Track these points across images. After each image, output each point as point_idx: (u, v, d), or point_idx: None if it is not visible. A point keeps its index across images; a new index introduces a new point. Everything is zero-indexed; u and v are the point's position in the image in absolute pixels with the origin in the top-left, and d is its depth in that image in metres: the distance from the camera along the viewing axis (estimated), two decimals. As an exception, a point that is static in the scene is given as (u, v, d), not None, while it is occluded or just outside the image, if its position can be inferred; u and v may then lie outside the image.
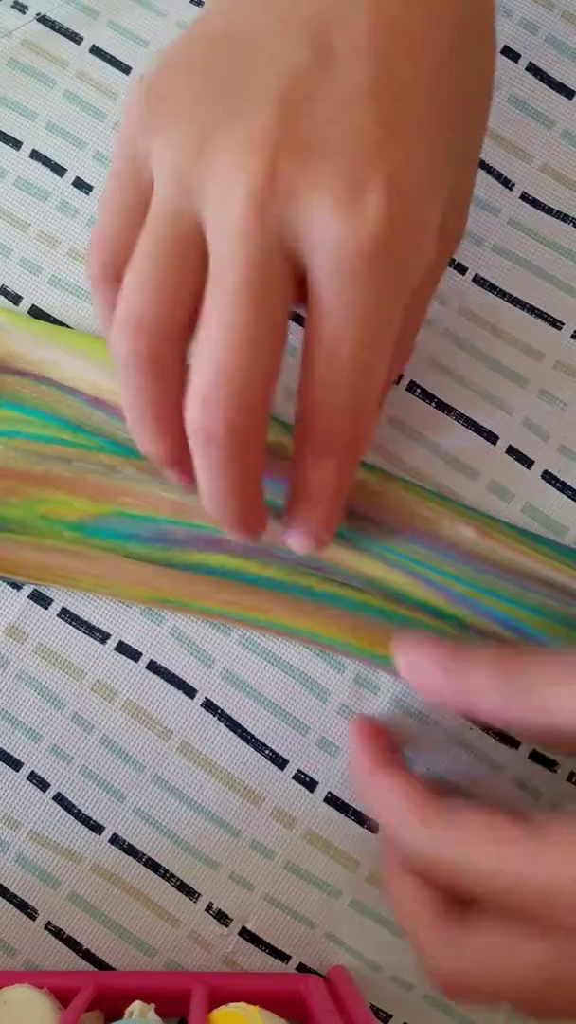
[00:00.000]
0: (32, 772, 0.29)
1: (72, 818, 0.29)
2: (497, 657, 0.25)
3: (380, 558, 0.29)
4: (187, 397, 0.22)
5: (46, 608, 0.30)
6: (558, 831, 0.22)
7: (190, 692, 0.29)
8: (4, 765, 0.29)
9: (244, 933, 0.29)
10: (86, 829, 0.29)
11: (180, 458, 0.24)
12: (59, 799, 0.29)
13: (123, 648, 0.30)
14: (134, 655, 0.30)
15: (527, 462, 0.30)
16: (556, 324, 0.31)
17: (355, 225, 0.21)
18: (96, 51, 0.32)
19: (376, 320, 0.22)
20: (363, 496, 0.29)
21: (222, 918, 0.29)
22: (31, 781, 0.29)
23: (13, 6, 0.32)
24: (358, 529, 0.29)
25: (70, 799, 0.29)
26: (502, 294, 0.31)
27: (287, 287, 0.22)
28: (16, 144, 0.31)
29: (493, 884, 0.22)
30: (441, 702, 0.26)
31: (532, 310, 0.31)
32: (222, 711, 0.29)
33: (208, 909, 0.29)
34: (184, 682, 0.29)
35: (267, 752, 0.29)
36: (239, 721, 0.29)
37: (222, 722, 0.29)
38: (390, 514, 0.29)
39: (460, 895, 0.23)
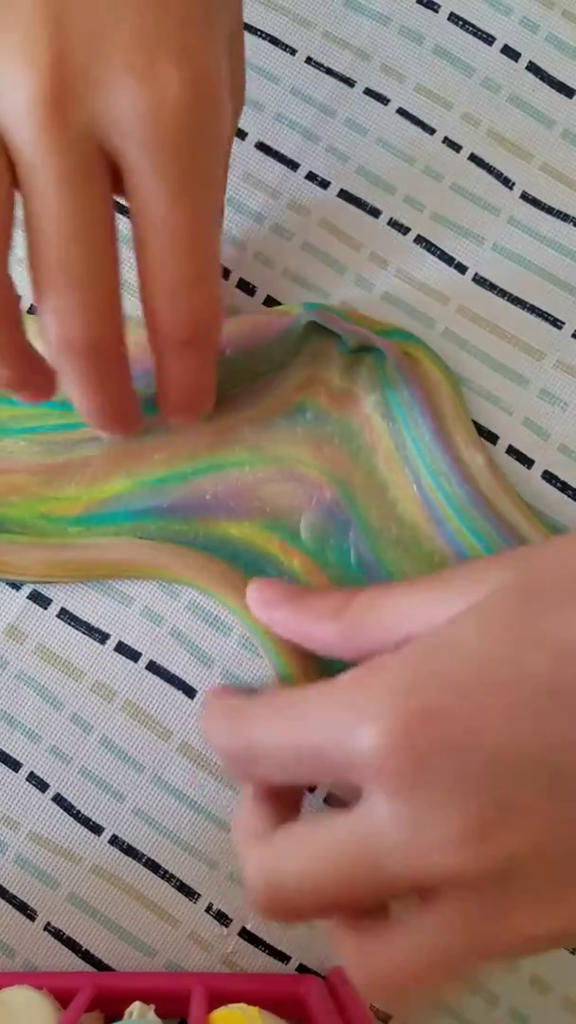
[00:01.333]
0: (31, 773, 0.29)
1: (71, 819, 0.29)
2: (334, 595, 0.25)
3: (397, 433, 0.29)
4: (38, 315, 0.22)
5: (45, 608, 0.30)
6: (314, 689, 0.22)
7: (190, 692, 0.29)
8: (3, 766, 0.29)
9: (244, 934, 0.29)
10: (85, 830, 0.29)
11: (28, 379, 0.24)
12: (58, 800, 0.29)
13: (123, 648, 0.30)
14: (134, 655, 0.30)
15: (527, 462, 0.30)
16: (556, 323, 0.31)
17: (158, 97, 0.20)
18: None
19: (198, 189, 0.21)
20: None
21: (222, 918, 0.29)
22: (30, 782, 0.29)
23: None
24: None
25: (69, 800, 0.29)
26: (502, 293, 0.31)
27: (105, 181, 0.21)
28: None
29: (280, 759, 0.21)
30: (283, 633, 0.26)
31: (532, 309, 0.31)
32: (222, 711, 0.29)
33: (208, 909, 0.29)
34: (184, 682, 0.29)
35: (267, 752, 0.29)
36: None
37: (222, 722, 0.29)
38: (423, 385, 0.30)
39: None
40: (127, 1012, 0.25)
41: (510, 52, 0.31)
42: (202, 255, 0.22)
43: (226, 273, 0.31)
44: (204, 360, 0.24)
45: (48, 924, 0.29)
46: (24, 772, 0.29)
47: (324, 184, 0.31)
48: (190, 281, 0.22)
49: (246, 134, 0.31)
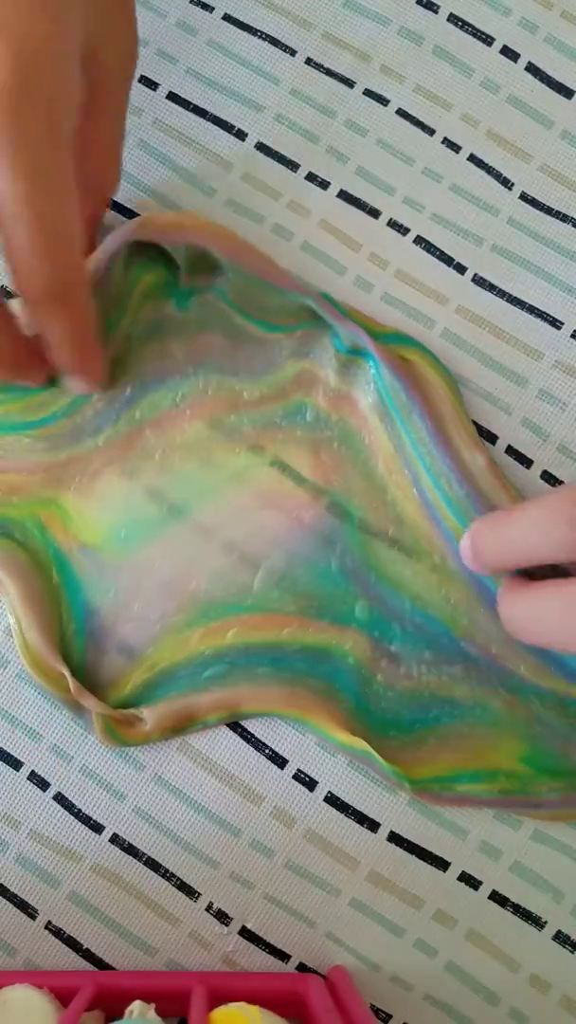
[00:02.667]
0: (32, 772, 0.29)
1: (72, 817, 0.29)
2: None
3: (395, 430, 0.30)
4: None
5: (46, 608, 0.30)
6: None
7: (190, 692, 0.29)
8: (4, 764, 0.29)
9: (244, 932, 0.29)
10: (86, 828, 0.29)
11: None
12: (59, 798, 0.29)
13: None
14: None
15: (526, 462, 0.30)
16: (555, 324, 0.31)
17: None
18: (96, 51, 0.32)
19: (27, 163, 0.23)
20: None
21: (222, 917, 0.29)
22: (31, 780, 0.29)
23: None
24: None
25: (70, 798, 0.29)
26: (501, 294, 0.31)
27: None
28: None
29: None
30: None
31: (531, 310, 0.31)
32: (222, 711, 0.29)
33: (208, 908, 0.29)
34: (184, 682, 0.29)
35: (267, 751, 0.29)
36: (239, 720, 0.29)
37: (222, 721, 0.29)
38: (420, 388, 0.30)
39: None
40: (127, 1011, 0.25)
41: (509, 53, 0.32)
42: (45, 223, 0.23)
43: (226, 273, 0.31)
44: (69, 318, 0.26)
45: (49, 923, 0.29)
46: (25, 771, 0.29)
47: (324, 184, 0.31)
48: (37, 249, 0.24)
49: (246, 135, 0.31)
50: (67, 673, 0.28)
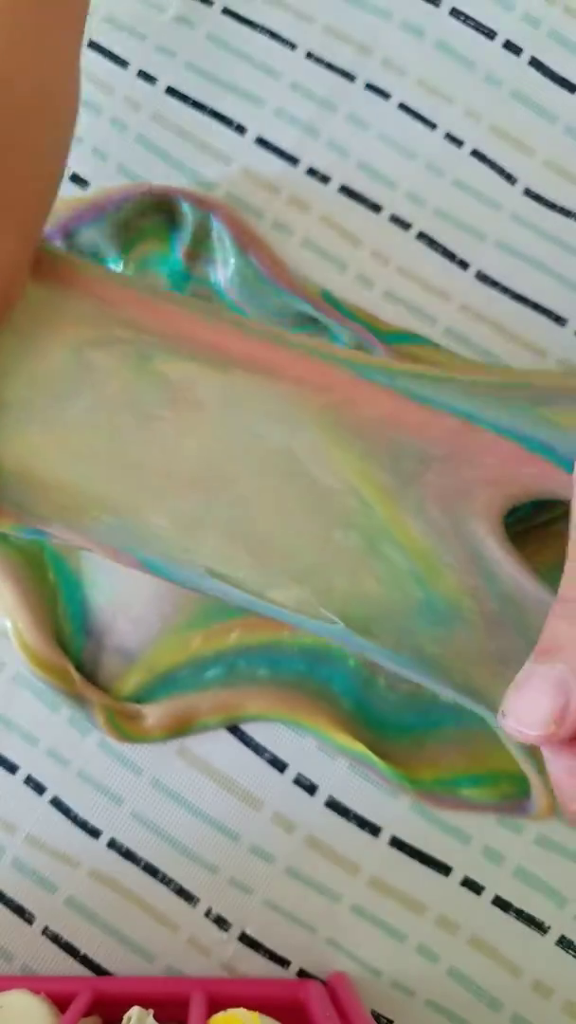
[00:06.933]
0: (29, 775, 0.29)
1: (69, 822, 0.29)
2: None
3: None
4: None
5: (43, 609, 0.29)
6: None
7: (189, 694, 0.29)
8: (1, 768, 0.29)
9: (244, 938, 0.28)
10: (83, 833, 0.29)
11: None
12: (56, 803, 0.29)
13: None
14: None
15: (530, 461, 0.30)
16: (559, 321, 0.30)
17: None
18: (93, 46, 0.31)
19: None
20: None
21: (221, 923, 0.28)
22: (27, 785, 0.29)
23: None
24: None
25: (67, 803, 0.29)
26: (504, 290, 0.31)
27: None
28: (12, 139, 0.31)
29: None
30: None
31: (535, 307, 0.30)
32: (221, 713, 0.29)
33: (207, 914, 0.28)
34: (183, 684, 0.29)
35: (266, 755, 0.29)
36: (238, 724, 0.29)
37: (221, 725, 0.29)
38: None
39: None
40: (126, 1017, 0.25)
41: (512, 47, 0.31)
42: None
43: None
44: None
45: (46, 928, 0.28)
46: (21, 775, 0.29)
47: (325, 180, 0.31)
48: None
49: (246, 129, 0.31)
50: (70, 666, 0.28)
